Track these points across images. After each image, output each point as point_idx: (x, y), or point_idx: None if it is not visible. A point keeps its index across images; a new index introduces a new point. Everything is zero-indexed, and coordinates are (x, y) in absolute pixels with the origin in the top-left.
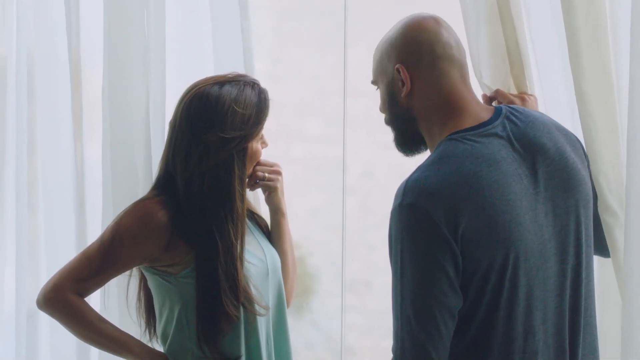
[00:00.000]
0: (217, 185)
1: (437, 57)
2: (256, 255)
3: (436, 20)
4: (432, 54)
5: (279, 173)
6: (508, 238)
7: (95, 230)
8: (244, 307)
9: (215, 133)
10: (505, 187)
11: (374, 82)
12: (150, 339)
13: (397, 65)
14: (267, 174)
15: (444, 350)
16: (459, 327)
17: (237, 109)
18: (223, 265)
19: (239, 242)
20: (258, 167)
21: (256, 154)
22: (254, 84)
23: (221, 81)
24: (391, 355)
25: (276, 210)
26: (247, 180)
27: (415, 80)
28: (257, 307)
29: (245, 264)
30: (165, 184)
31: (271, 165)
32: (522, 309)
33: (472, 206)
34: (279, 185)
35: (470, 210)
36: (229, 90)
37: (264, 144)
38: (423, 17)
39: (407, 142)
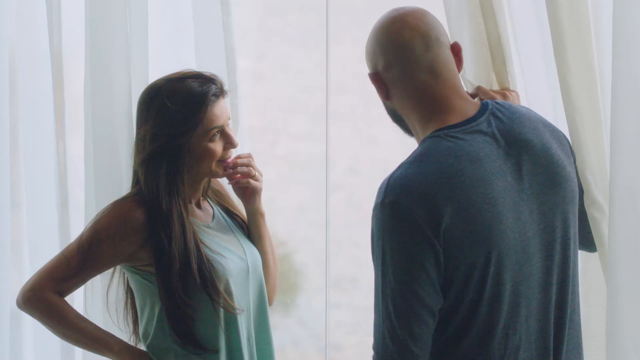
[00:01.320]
0: (146, 181)
1: (415, 59)
2: (236, 253)
3: (415, 16)
4: (403, 63)
5: (261, 174)
6: (490, 236)
7: (78, 227)
8: (212, 299)
9: (145, 127)
10: (488, 185)
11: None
12: (137, 343)
13: (369, 73)
14: (256, 173)
15: (424, 349)
16: (440, 322)
17: (168, 104)
18: (165, 261)
19: (176, 240)
20: (252, 162)
21: (207, 152)
22: (205, 82)
23: (174, 77)
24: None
25: (255, 211)
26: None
27: (390, 85)
28: (229, 304)
29: (225, 260)
30: (137, 180)
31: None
32: (506, 305)
33: (453, 204)
34: (262, 186)
35: (452, 208)
36: (169, 86)
37: (230, 144)
38: (405, 14)
39: (409, 132)
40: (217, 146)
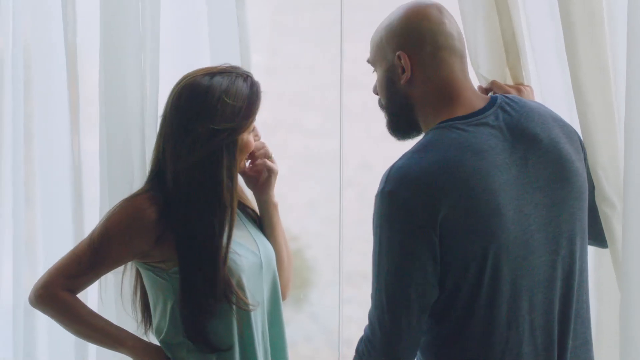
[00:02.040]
0: (205, 177)
1: (438, 47)
2: (249, 248)
3: (439, 9)
4: (434, 43)
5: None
6: (489, 228)
7: (92, 223)
8: (229, 301)
9: (205, 124)
10: (489, 177)
11: (371, 63)
12: (146, 333)
13: (398, 52)
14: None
15: (413, 341)
16: (439, 316)
17: (227, 100)
18: (202, 258)
19: (224, 235)
20: (266, 146)
21: (247, 146)
22: (246, 76)
23: (212, 72)
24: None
25: (269, 202)
26: (237, 172)
27: (416, 68)
28: (242, 301)
29: (238, 257)
30: (155, 177)
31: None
32: (506, 298)
33: (452, 195)
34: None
35: (450, 199)
36: (220, 81)
37: (257, 137)
38: (426, 5)
39: (401, 128)
40: (252, 138)
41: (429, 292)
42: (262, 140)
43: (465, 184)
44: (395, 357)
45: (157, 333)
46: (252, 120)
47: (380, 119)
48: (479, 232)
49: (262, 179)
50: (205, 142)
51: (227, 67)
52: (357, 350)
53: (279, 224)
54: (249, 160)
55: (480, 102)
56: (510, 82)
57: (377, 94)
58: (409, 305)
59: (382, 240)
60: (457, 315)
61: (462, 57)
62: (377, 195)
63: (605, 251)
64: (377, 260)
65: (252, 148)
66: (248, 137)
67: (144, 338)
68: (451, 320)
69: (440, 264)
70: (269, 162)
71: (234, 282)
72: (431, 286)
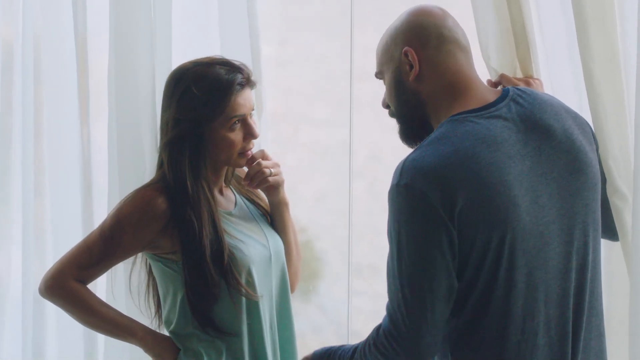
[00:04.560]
0: (170, 167)
1: (444, 40)
2: (259, 240)
3: (441, 9)
4: (439, 37)
5: (279, 165)
6: (504, 219)
7: (102, 213)
8: (232, 288)
9: (170, 112)
10: (504, 169)
11: (378, 74)
12: (160, 327)
13: (405, 49)
14: (271, 170)
15: (437, 334)
16: (455, 308)
17: (194, 90)
18: (191, 247)
19: (203, 225)
20: (262, 164)
21: (225, 141)
22: (232, 70)
23: (203, 62)
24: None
25: (280, 203)
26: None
27: (423, 62)
28: (240, 288)
29: (246, 248)
30: (161, 167)
31: (270, 160)
32: (522, 290)
33: (468, 186)
34: (284, 177)
35: (467, 191)
36: (196, 71)
37: (250, 135)
38: (428, 5)
39: (414, 132)
40: (237, 136)
41: (451, 284)
42: (262, 141)
43: (480, 176)
44: (420, 352)
45: (167, 324)
46: (225, 115)
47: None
48: (495, 223)
49: (270, 186)
50: (169, 130)
51: (221, 59)
52: (375, 345)
53: (290, 222)
54: (249, 162)
55: (491, 95)
56: (520, 74)
57: (386, 107)
58: (433, 298)
59: (400, 234)
60: (473, 307)
61: (467, 53)
62: (391, 190)
63: (616, 244)
64: (397, 255)
65: (236, 146)
66: (226, 132)
67: (158, 331)
68: (467, 312)
69: (458, 255)
70: (272, 180)
71: (236, 271)
72: (453, 278)
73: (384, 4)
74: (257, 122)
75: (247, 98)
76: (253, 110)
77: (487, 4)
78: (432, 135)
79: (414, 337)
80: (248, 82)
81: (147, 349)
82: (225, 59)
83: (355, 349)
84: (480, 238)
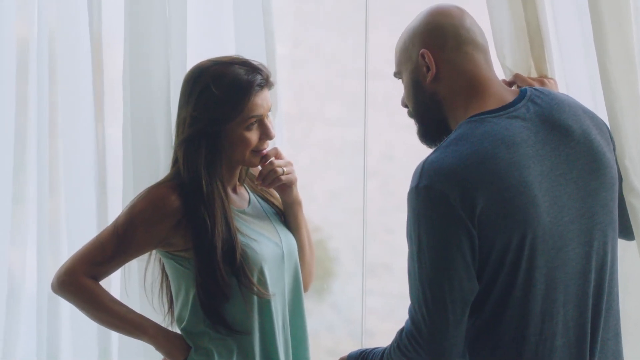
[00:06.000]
0: (185, 163)
1: (462, 41)
2: (272, 239)
3: (459, 8)
4: (457, 38)
5: (292, 164)
6: (525, 219)
7: (116, 211)
8: (244, 287)
9: (188, 110)
10: (524, 169)
11: (397, 74)
12: (172, 324)
13: (422, 50)
14: (284, 168)
15: (460, 336)
16: (474, 308)
17: (213, 89)
18: (204, 246)
19: (219, 224)
20: (274, 163)
21: (242, 141)
22: (251, 70)
23: (222, 61)
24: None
25: (293, 202)
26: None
27: (441, 64)
28: (255, 287)
29: (259, 246)
30: (175, 164)
31: (283, 159)
32: (541, 290)
33: (489, 187)
34: (296, 176)
35: (487, 192)
36: (215, 70)
37: (265, 135)
38: (446, 5)
39: (432, 133)
40: (253, 135)
41: (472, 284)
42: (277, 141)
43: (500, 176)
44: (442, 353)
45: (179, 322)
46: (243, 114)
47: (402, 108)
48: (516, 223)
49: (283, 185)
50: (186, 128)
51: (242, 59)
52: (399, 347)
53: (303, 221)
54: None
55: (509, 96)
56: (534, 74)
57: (405, 106)
58: (454, 299)
59: (421, 236)
60: (492, 308)
61: (485, 53)
62: (411, 192)
63: (631, 243)
64: (417, 256)
65: (252, 145)
66: (243, 131)
67: (170, 329)
68: (486, 312)
69: (479, 256)
70: (284, 178)
71: (248, 269)
72: (473, 279)
73: (398, 2)
74: (273, 127)
75: (265, 99)
76: (270, 110)
77: (502, 3)
78: (451, 136)
79: (436, 338)
80: (267, 83)
81: (159, 346)
82: (245, 59)
83: (384, 351)
84: (501, 239)
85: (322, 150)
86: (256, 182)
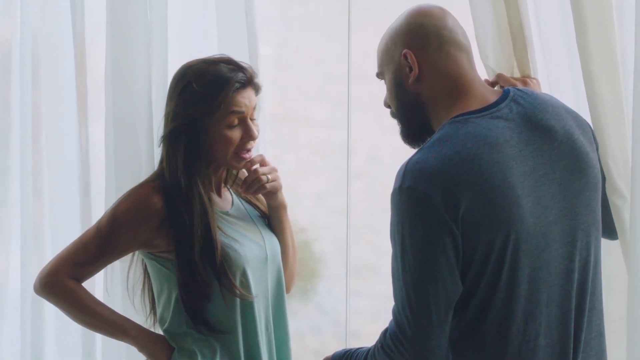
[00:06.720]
0: (167, 158)
1: (444, 41)
2: (255, 241)
3: (441, 9)
4: (439, 38)
5: (276, 170)
6: (508, 220)
7: (100, 213)
8: (225, 288)
9: (170, 106)
10: (507, 170)
11: (379, 74)
12: (154, 325)
13: (404, 51)
14: (269, 176)
15: (443, 337)
16: (457, 309)
17: (193, 85)
18: (183, 246)
19: (194, 221)
20: (259, 171)
21: (222, 139)
22: (235, 68)
23: (208, 59)
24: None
25: (278, 206)
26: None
27: (423, 64)
28: (237, 291)
29: (242, 247)
30: (160, 165)
31: (268, 165)
32: (524, 291)
33: (472, 188)
34: (281, 182)
35: (470, 192)
36: (199, 67)
37: (247, 136)
38: (429, 5)
39: (415, 133)
40: (235, 134)
41: (456, 286)
42: (259, 142)
43: (483, 177)
44: (426, 355)
45: (161, 323)
46: (221, 113)
47: (388, 110)
48: (499, 224)
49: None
50: (168, 124)
51: (227, 58)
52: (383, 348)
53: (288, 224)
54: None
55: (492, 96)
56: (517, 74)
57: (388, 107)
58: (438, 301)
59: (404, 237)
60: (476, 308)
61: (468, 53)
62: (394, 193)
63: (614, 242)
64: (401, 257)
65: (233, 144)
66: (224, 129)
67: (153, 330)
68: (469, 313)
69: (462, 257)
70: (269, 186)
71: (229, 270)
72: (457, 280)
73: (382, 4)
74: (257, 129)
75: (248, 97)
76: (254, 110)
77: (485, 3)
78: (434, 137)
79: (420, 340)
80: (250, 83)
81: (141, 348)
82: (233, 59)
83: (368, 351)
84: (484, 239)
85: (308, 152)
86: (240, 190)
